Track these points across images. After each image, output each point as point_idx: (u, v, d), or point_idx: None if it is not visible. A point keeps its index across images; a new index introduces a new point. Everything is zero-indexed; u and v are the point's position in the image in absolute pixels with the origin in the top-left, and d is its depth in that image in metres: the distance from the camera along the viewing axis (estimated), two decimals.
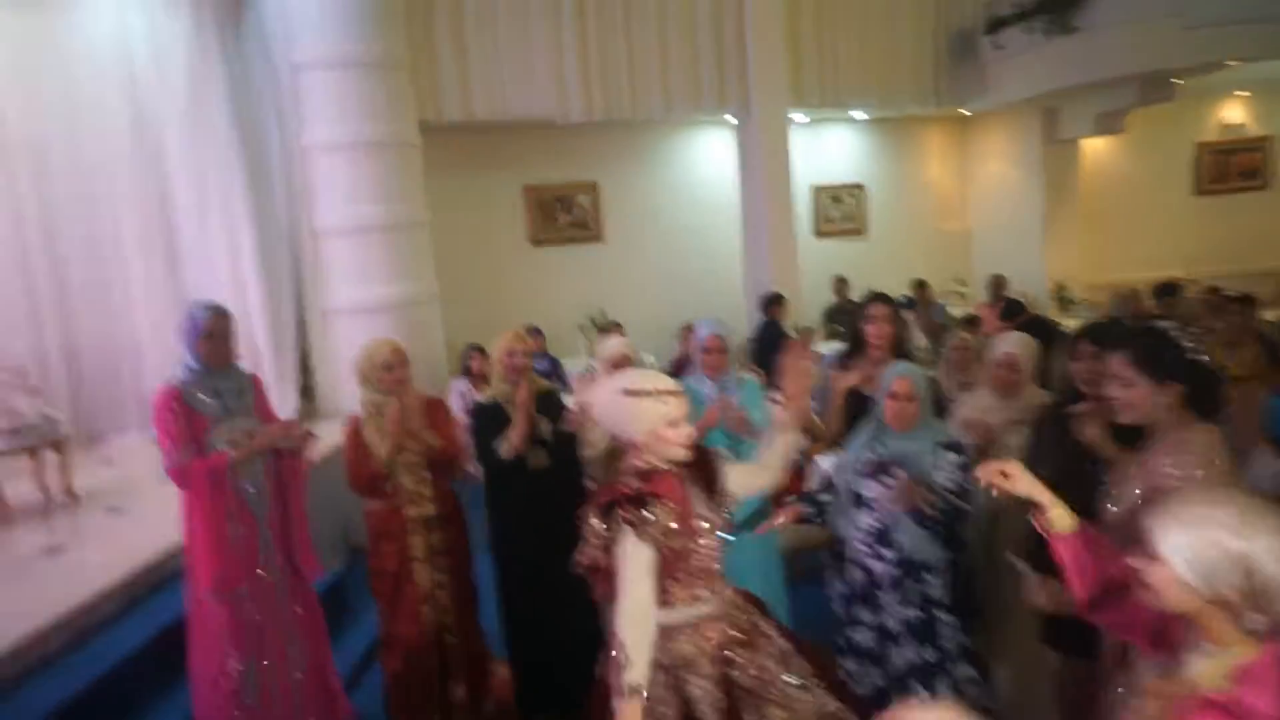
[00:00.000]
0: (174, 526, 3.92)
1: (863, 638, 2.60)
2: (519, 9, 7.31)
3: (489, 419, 3.20)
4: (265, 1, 6.08)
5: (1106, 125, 8.70)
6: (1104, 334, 2.50)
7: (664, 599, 1.99)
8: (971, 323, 6.79)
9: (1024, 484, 1.79)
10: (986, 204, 10.71)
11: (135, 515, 4.34)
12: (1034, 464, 1.92)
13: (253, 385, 2.99)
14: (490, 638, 3.47)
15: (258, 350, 5.92)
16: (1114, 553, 1.72)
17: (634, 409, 1.99)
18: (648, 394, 2.00)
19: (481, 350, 6.44)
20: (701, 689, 1.96)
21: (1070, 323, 7.31)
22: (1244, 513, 1.34)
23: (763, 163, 8.15)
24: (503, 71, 7.29)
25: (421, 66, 6.82)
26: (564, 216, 8.94)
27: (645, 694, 1.81)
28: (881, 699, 2.50)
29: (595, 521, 1.95)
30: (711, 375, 3.31)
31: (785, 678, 2.02)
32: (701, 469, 2.09)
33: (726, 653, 2.01)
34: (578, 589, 3.26)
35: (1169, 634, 1.53)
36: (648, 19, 7.60)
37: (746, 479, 2.22)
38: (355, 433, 3.07)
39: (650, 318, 8.50)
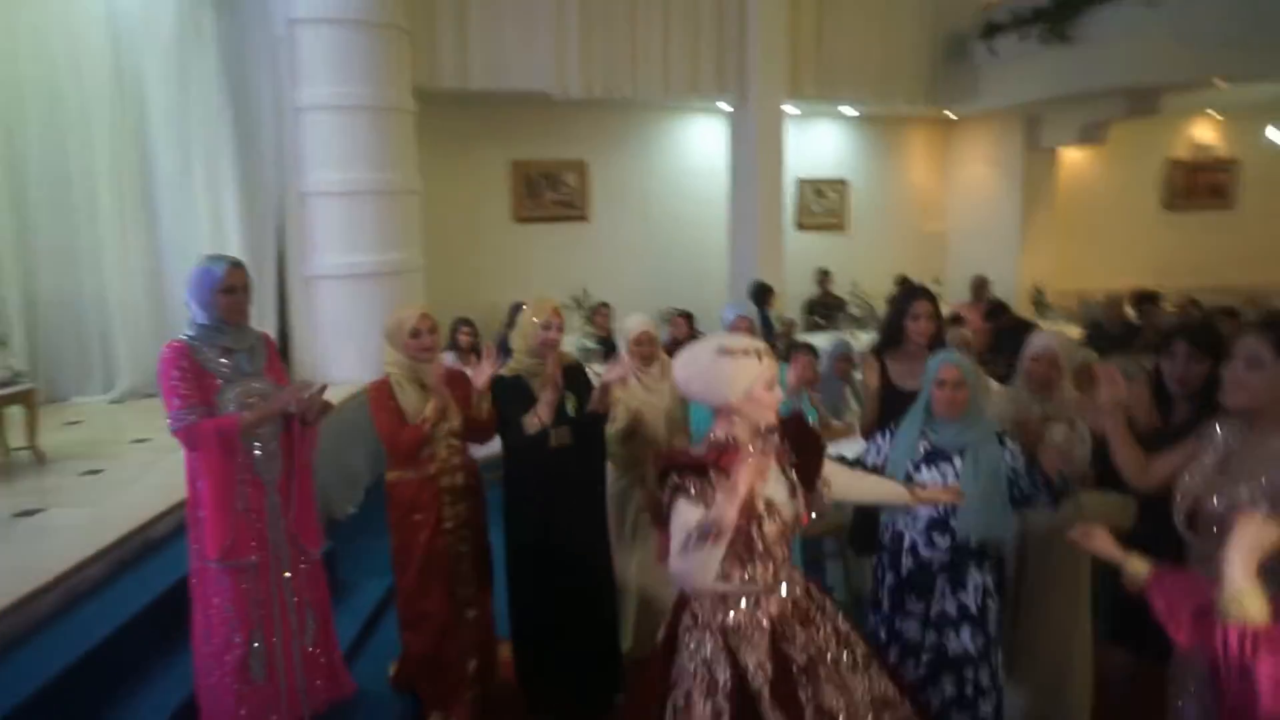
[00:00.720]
0: (157, 489, 3.82)
1: (909, 627, 2.58)
2: None
3: (512, 393, 3.09)
4: None
5: (1090, 135, 8.86)
6: (1202, 336, 2.56)
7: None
8: (956, 321, 6.86)
9: (1100, 542, 1.95)
10: (965, 207, 10.85)
11: (114, 477, 4.14)
12: None
13: (264, 345, 2.85)
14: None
15: None
16: (1193, 582, 1.76)
17: (731, 369, 1.92)
18: (744, 353, 1.93)
19: (469, 324, 6.31)
20: (754, 659, 1.91)
21: (1046, 326, 7.43)
22: None
23: (756, 152, 8.12)
24: (503, 41, 7.13)
25: (420, 30, 6.62)
26: (550, 194, 8.81)
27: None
28: (923, 687, 2.50)
29: (653, 481, 1.89)
30: None
31: (842, 658, 1.98)
32: (801, 450, 2.04)
33: (782, 626, 1.96)
34: (590, 569, 3.26)
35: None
36: (653, 5, 7.51)
37: (850, 481, 2.27)
38: (388, 397, 2.94)
39: (633, 301, 8.37)
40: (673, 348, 3.45)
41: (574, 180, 8.91)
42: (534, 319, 3.12)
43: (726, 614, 1.95)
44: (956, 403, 2.54)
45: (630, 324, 3.63)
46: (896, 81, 9.00)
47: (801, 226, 10.20)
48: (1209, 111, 10.22)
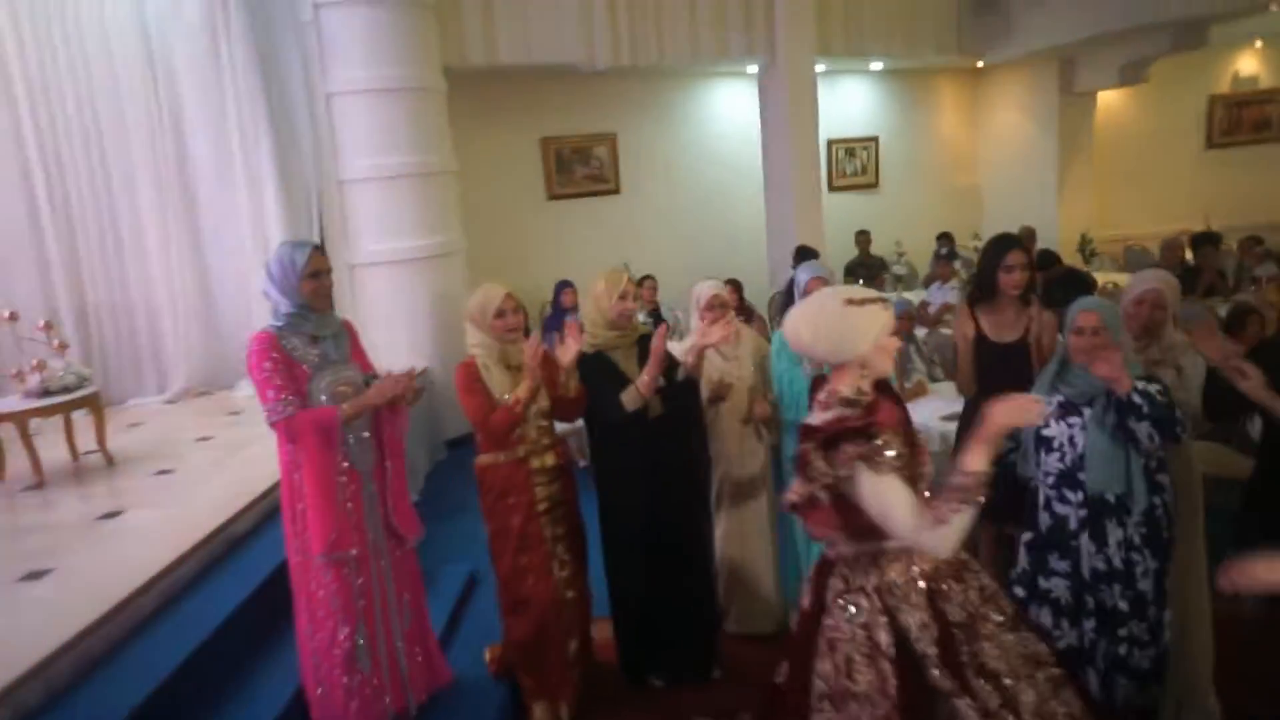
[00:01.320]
0: (233, 486, 3.80)
1: (1055, 585, 2.50)
2: None
3: (599, 368, 3.02)
4: None
5: (1131, 75, 8.61)
6: None
7: (874, 529, 1.85)
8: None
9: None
10: (999, 158, 10.62)
11: (185, 477, 4.12)
12: None
13: (347, 331, 2.79)
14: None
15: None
16: None
17: (860, 319, 1.86)
18: (871, 301, 1.88)
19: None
20: (916, 620, 1.84)
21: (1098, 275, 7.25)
22: None
23: (788, 113, 7.93)
24: (528, 14, 6.98)
25: (446, 8, 6.49)
26: (581, 169, 8.69)
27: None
28: (1076, 653, 2.43)
29: (818, 460, 1.80)
30: None
31: (993, 615, 1.90)
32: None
33: (938, 584, 1.88)
34: (690, 543, 3.20)
35: None
36: None
37: None
38: (476, 378, 2.87)
39: (669, 272, 8.29)
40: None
41: (604, 153, 8.77)
42: (606, 291, 3.06)
43: (882, 574, 1.88)
44: (1099, 348, 2.42)
45: (701, 289, 3.53)
46: (926, 30, 8.76)
47: (834, 188, 10.02)
48: (1255, 42, 9.88)
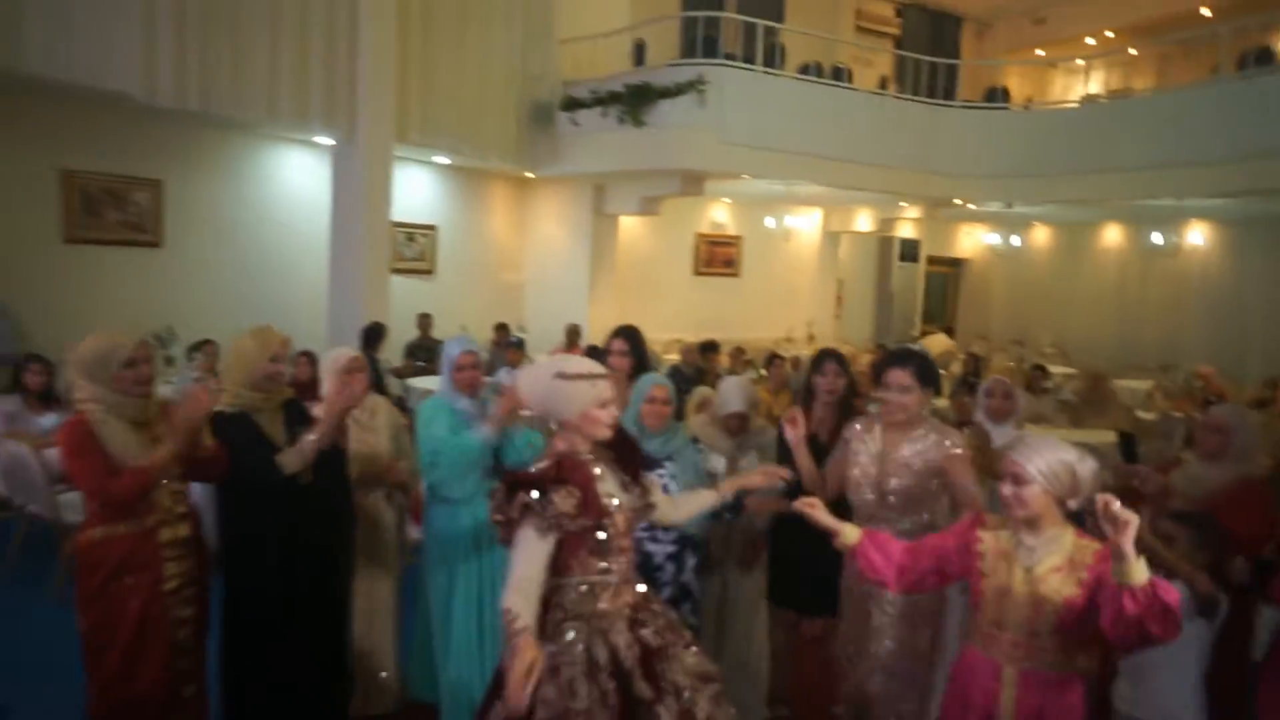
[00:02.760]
0: None
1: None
2: None
3: (240, 429, 2.76)
4: None
5: (648, 207, 10.43)
6: (840, 359, 3.34)
7: (566, 572, 2.12)
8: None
9: (820, 514, 2.41)
10: (541, 260, 11.82)
11: None
12: None
13: None
14: None
15: None
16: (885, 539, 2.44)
17: (568, 391, 2.12)
18: (582, 377, 2.14)
19: (41, 359, 5.16)
20: (624, 640, 2.12)
21: None
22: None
23: (364, 192, 7.97)
24: (75, 20, 5.97)
25: None
26: (115, 214, 7.55)
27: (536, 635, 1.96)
28: None
29: (500, 498, 2.03)
30: (469, 392, 3.33)
31: (676, 640, 2.26)
32: (621, 452, 2.26)
33: (635, 613, 2.19)
34: (329, 614, 3.02)
35: None
36: (258, 17, 6.97)
37: (668, 509, 2.53)
38: (90, 436, 2.40)
39: (222, 339, 7.57)
40: (294, 386, 3.30)
41: (145, 199, 7.75)
42: (256, 349, 2.88)
43: (596, 603, 2.13)
44: (663, 416, 3.07)
45: (337, 354, 3.45)
46: (492, 136, 9.51)
47: (394, 270, 10.14)
48: (725, 199, 12.70)
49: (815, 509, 2.42)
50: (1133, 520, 1.83)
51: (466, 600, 3.24)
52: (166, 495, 2.60)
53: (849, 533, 2.42)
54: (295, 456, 2.74)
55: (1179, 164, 8.91)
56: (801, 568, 3.26)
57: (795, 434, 2.93)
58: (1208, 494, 2.72)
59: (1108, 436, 5.57)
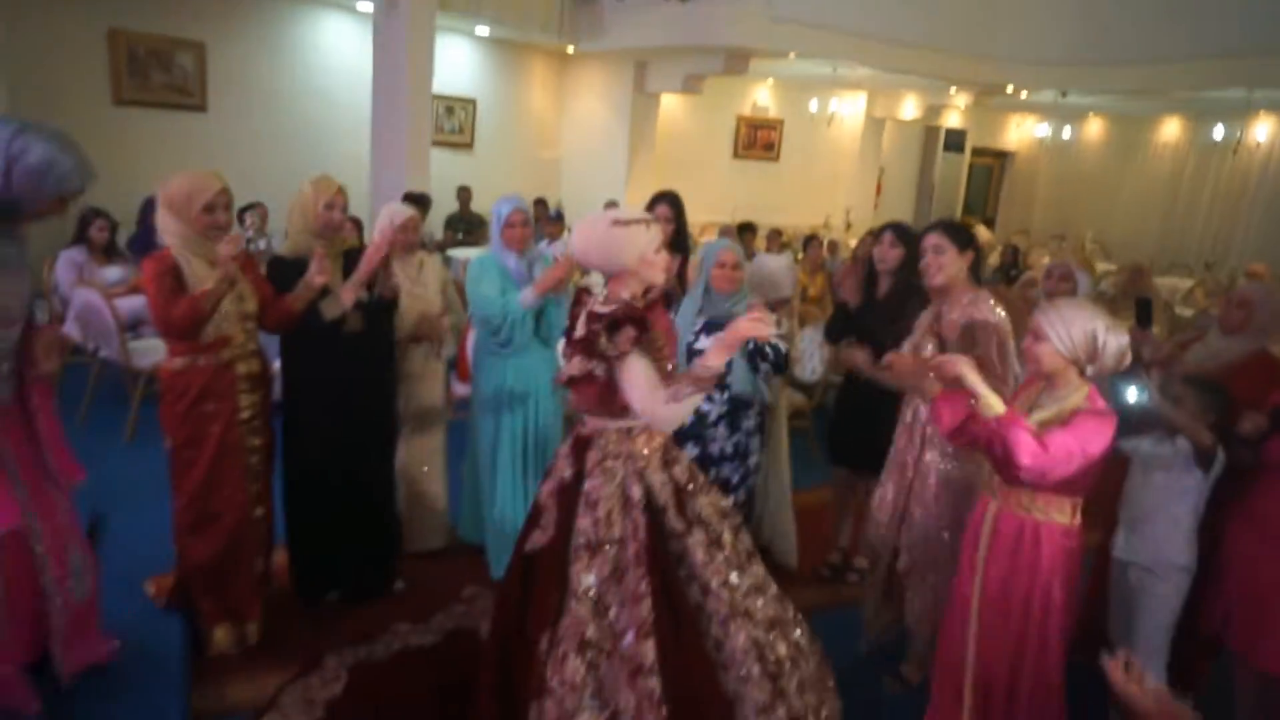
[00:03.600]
0: None
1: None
2: None
3: (296, 275, 2.92)
4: None
5: (691, 85, 10.21)
6: (902, 229, 3.43)
7: (624, 413, 2.28)
8: None
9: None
10: (578, 137, 11.71)
11: None
12: None
13: None
14: None
15: None
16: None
17: (626, 237, 2.21)
18: (636, 222, 2.24)
19: (104, 214, 5.37)
20: (658, 479, 2.31)
21: None
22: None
23: (406, 63, 7.87)
24: None
25: None
26: (160, 76, 7.59)
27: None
28: None
29: (603, 339, 2.15)
30: (518, 249, 3.48)
31: (699, 478, 2.47)
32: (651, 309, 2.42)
33: (667, 454, 2.39)
34: (376, 460, 3.27)
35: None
36: None
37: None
38: (170, 269, 2.59)
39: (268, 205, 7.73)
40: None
41: (189, 63, 7.77)
42: (313, 197, 3.02)
43: (632, 443, 2.32)
44: (734, 280, 3.15)
45: (397, 210, 3.59)
46: (534, 8, 9.32)
47: (434, 143, 10.14)
48: (768, 80, 12.36)
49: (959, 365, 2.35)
50: (955, 360, 2.33)
51: (512, 447, 3.48)
52: (241, 332, 2.79)
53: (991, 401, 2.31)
54: (332, 303, 2.91)
55: (1253, 51, 8.48)
56: (858, 428, 3.48)
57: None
58: (1222, 366, 2.81)
59: None
